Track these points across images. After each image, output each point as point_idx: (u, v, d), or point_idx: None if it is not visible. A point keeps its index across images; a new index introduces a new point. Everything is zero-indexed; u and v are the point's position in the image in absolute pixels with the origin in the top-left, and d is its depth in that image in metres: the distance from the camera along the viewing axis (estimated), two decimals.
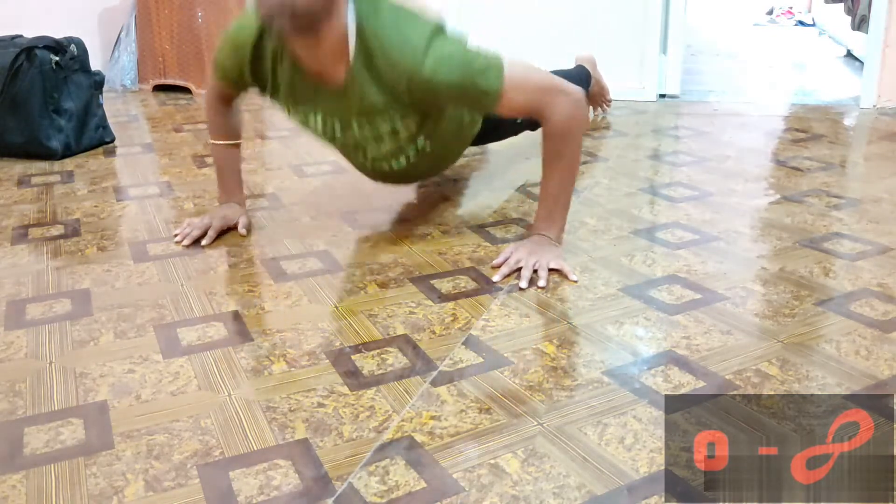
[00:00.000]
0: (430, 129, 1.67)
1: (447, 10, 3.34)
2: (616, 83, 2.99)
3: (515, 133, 2.19)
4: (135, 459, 1.04)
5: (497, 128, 2.01)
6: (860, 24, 3.69)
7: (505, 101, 1.51)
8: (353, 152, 1.75)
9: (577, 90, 1.59)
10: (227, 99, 1.81)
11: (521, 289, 1.51)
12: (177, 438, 1.08)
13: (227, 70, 1.69)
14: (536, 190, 2.06)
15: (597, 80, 2.79)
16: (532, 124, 2.06)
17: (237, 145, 1.87)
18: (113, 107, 3.08)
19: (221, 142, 1.84)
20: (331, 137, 1.70)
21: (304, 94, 1.62)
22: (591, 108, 2.92)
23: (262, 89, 1.67)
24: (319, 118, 1.65)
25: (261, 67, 1.62)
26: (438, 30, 1.51)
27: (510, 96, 1.50)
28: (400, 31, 1.49)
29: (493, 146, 2.54)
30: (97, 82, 2.60)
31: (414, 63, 1.47)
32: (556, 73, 2.52)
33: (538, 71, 1.61)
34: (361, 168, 1.83)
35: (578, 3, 3.20)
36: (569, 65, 2.71)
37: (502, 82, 1.49)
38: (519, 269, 1.56)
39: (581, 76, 2.67)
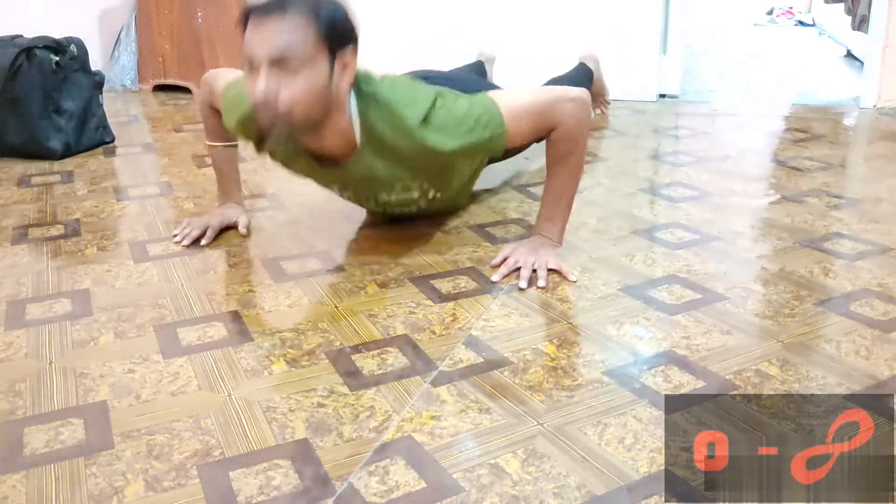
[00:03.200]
0: (440, 184, 1.68)
1: (451, 13, 3.34)
2: (616, 83, 3.00)
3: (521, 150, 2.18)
4: (135, 459, 1.04)
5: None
6: (860, 24, 3.68)
7: (512, 135, 1.53)
8: (363, 202, 1.77)
9: (578, 92, 1.59)
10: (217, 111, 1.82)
11: (520, 289, 1.51)
12: (177, 438, 1.08)
13: (225, 116, 1.67)
14: (536, 190, 2.07)
15: (598, 77, 2.79)
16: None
17: (234, 146, 1.87)
18: (113, 107, 3.08)
19: (218, 143, 1.84)
20: (349, 193, 1.72)
21: (305, 167, 1.63)
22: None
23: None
24: (322, 181, 1.70)
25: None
26: (432, 100, 1.49)
27: (515, 129, 1.52)
28: (398, 114, 1.47)
29: None
30: (97, 82, 2.60)
31: (419, 141, 1.47)
32: (557, 79, 2.52)
33: (531, 93, 1.60)
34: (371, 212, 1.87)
35: (579, 3, 3.20)
36: (570, 64, 2.72)
37: (503, 123, 1.50)
38: (518, 269, 1.56)
39: (582, 76, 2.67)
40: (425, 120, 1.46)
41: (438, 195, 1.71)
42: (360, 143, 1.50)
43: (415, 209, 1.75)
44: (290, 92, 1.35)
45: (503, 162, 2.38)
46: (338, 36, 1.39)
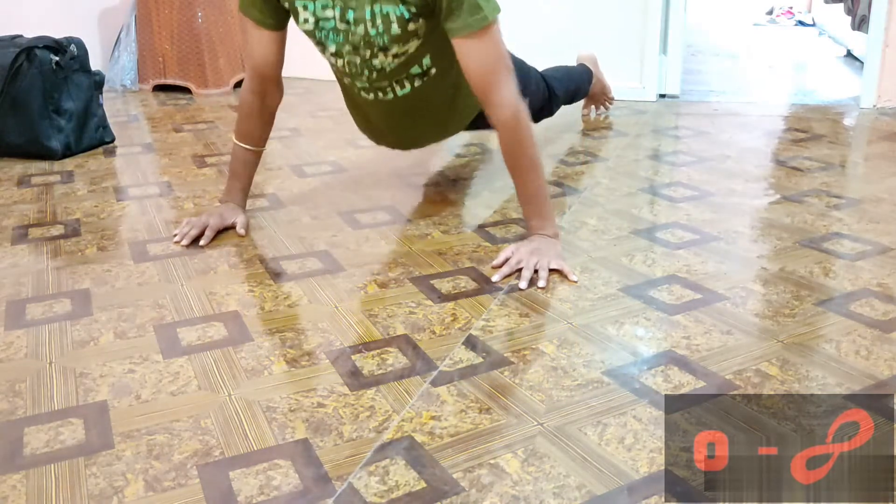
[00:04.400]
0: (436, 46, 1.67)
1: None
2: (616, 83, 3.00)
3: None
4: (135, 459, 1.04)
5: None
6: (860, 24, 3.69)
7: (481, 39, 1.55)
8: (359, 70, 1.72)
9: (524, 103, 1.61)
10: (263, 87, 1.78)
11: (520, 289, 1.51)
12: (177, 438, 1.08)
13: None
14: None
15: (598, 78, 2.79)
16: (535, 114, 2.09)
17: (258, 152, 1.87)
18: (113, 107, 3.08)
19: (244, 145, 1.83)
20: (344, 38, 1.66)
21: None
22: (592, 107, 2.93)
23: None
24: (338, 9, 1.61)
25: None
26: None
27: (487, 40, 1.55)
28: None
29: (492, 146, 2.54)
30: (97, 82, 2.60)
31: None
32: (560, 67, 2.54)
33: (510, 59, 1.61)
34: (366, 106, 1.82)
35: (579, 3, 3.20)
36: (570, 63, 2.72)
37: (493, 20, 1.54)
38: (519, 270, 1.56)
39: (583, 74, 2.68)
40: None
41: (434, 71, 1.72)
42: None
43: (408, 88, 1.74)
44: None
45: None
46: None
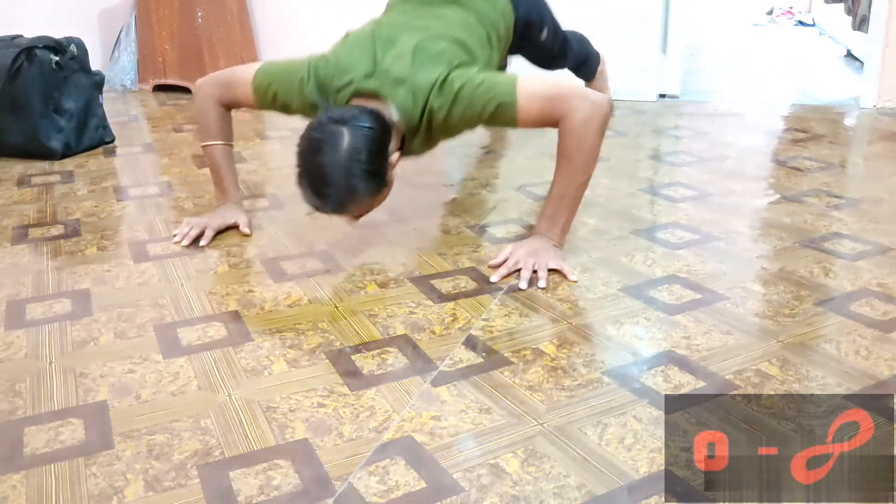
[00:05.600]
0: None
1: None
2: (616, 83, 2.99)
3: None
4: (135, 459, 1.04)
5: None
6: (860, 24, 3.69)
7: (523, 111, 1.55)
8: None
9: (600, 96, 1.58)
10: (230, 106, 1.81)
11: (521, 289, 1.51)
12: (177, 438, 1.08)
13: (277, 98, 1.72)
14: (536, 190, 2.07)
15: (602, 70, 2.78)
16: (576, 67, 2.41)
17: (230, 146, 1.86)
18: (113, 107, 3.08)
19: (217, 143, 1.82)
20: None
21: None
22: None
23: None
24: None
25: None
26: (445, 75, 1.58)
27: (526, 105, 1.55)
28: (417, 99, 1.59)
29: (494, 146, 2.54)
30: (97, 82, 2.60)
31: (441, 111, 1.59)
32: (580, 33, 2.54)
33: (554, 81, 1.63)
34: None
35: (578, 3, 3.19)
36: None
37: (515, 93, 1.54)
38: (518, 270, 1.56)
39: (596, 52, 2.64)
40: (441, 87, 1.58)
41: None
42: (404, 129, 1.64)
43: None
44: (367, 214, 1.65)
45: (504, 162, 2.38)
46: (379, 180, 1.56)
